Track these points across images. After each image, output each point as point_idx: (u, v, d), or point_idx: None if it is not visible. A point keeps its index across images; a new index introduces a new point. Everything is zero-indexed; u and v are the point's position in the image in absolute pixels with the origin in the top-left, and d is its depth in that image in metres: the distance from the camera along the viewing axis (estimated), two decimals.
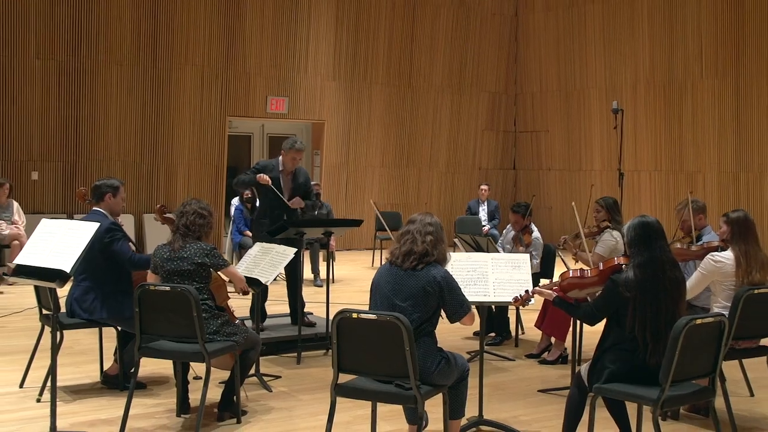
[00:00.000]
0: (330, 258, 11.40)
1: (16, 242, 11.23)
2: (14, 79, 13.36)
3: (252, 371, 6.27)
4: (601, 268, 5.01)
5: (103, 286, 6.12)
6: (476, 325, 5.55)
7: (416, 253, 4.55)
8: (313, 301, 9.32)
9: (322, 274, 11.71)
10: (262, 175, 7.84)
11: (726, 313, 5.33)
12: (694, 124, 14.94)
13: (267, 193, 8.04)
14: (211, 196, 14.45)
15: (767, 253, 5.95)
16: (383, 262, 4.79)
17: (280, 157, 8.11)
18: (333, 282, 10.43)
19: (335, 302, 7.93)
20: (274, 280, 6.56)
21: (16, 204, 11.90)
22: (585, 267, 5.56)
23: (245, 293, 6.29)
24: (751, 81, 14.13)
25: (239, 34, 15.05)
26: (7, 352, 7.46)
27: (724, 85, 14.49)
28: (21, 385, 6.32)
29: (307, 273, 11.22)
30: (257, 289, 6.41)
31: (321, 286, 11.38)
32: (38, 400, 5.97)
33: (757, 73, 14.03)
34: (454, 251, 6.29)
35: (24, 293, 9.64)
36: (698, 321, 4.30)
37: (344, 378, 4.51)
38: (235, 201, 12.28)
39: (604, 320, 4.81)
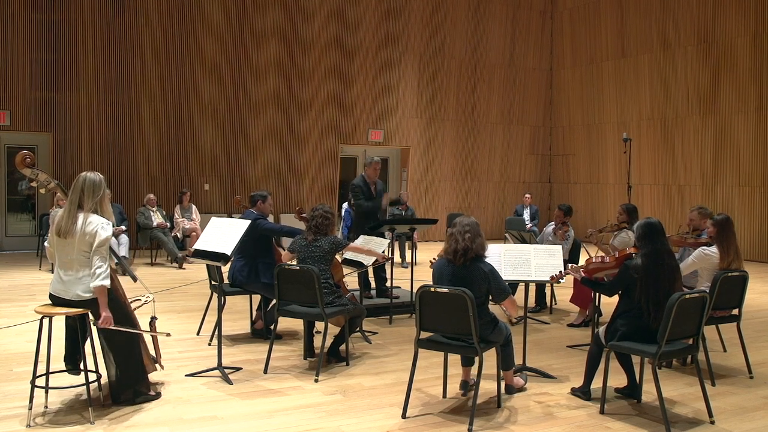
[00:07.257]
0: (413, 247, 11.41)
1: (194, 233, 11.58)
2: (193, 121, 13.72)
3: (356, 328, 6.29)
4: (617, 255, 4.93)
5: (254, 261, 6.19)
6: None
7: (460, 250, 4.40)
8: (401, 278, 9.31)
9: (408, 259, 11.69)
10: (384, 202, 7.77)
11: (707, 290, 5.21)
12: (683, 150, 14.50)
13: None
14: (327, 201, 14.49)
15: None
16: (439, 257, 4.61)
17: (363, 173, 7.79)
18: (416, 264, 10.41)
19: (417, 279, 7.90)
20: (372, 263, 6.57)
21: (194, 206, 12.24)
22: (605, 255, 5.46)
23: (387, 260, 6.67)
24: (724, 117, 13.68)
25: (349, 86, 15.12)
26: (188, 309, 7.67)
27: (704, 121, 14.04)
28: (197, 333, 6.49)
29: (397, 257, 11.21)
30: (360, 270, 6.41)
31: (407, 267, 11.34)
32: (209, 344, 6.11)
33: (729, 112, 13.58)
34: (504, 243, 6.20)
35: (199, 269, 9.91)
36: (687, 296, 4.18)
37: (424, 335, 4.48)
38: (345, 205, 12.34)
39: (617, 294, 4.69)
